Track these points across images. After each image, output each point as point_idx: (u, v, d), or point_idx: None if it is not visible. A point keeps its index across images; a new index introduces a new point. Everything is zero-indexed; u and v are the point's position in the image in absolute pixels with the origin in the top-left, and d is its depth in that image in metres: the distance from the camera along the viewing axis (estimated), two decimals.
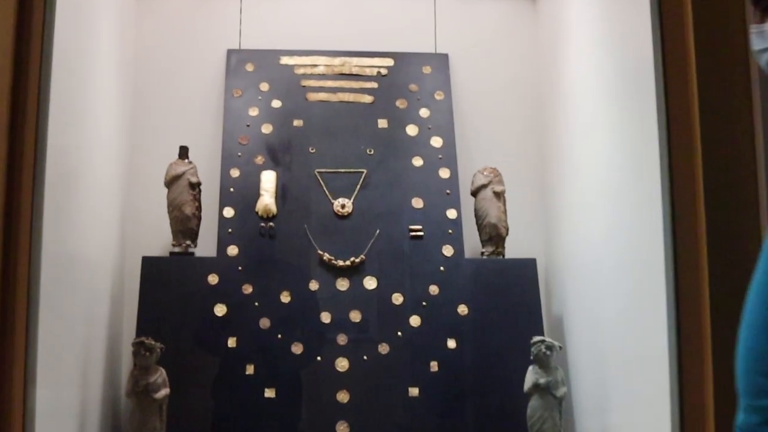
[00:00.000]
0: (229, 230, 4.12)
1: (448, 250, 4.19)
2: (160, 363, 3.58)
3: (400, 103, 4.52)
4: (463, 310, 4.07)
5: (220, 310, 3.93)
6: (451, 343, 3.99)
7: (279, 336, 3.92)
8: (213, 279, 3.99)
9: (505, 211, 4.31)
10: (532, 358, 3.64)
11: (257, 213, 4.15)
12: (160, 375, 3.56)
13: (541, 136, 4.71)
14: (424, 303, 4.06)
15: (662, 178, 2.91)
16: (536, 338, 3.66)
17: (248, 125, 4.38)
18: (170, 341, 3.68)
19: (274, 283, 4.00)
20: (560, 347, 3.67)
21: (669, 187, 2.91)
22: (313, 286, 4.05)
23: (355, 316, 4.02)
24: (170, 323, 3.83)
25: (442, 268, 4.14)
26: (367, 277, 4.09)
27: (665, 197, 2.89)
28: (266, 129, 4.38)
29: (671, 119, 2.93)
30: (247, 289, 4.00)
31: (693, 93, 2.85)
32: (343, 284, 4.06)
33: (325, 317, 4.01)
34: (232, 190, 4.22)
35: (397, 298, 4.06)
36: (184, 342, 3.86)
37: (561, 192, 4.38)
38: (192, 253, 4.03)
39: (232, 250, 4.08)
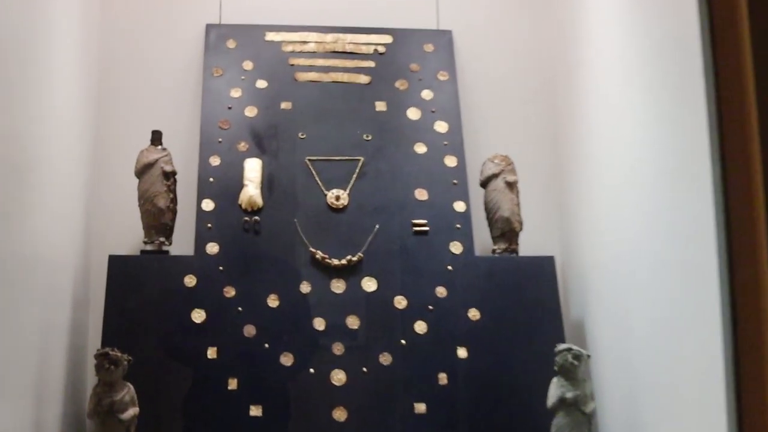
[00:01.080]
0: (209, 225, 3.69)
1: (456, 247, 3.78)
2: (128, 378, 3.14)
3: (400, 84, 4.12)
4: (474, 314, 3.65)
5: (198, 316, 3.51)
6: (462, 352, 3.58)
7: (266, 345, 3.49)
8: (190, 281, 3.56)
9: (518, 204, 3.92)
10: (556, 368, 3.23)
11: (240, 206, 3.73)
12: (128, 392, 3.12)
13: (557, 121, 4.29)
14: (430, 307, 3.64)
15: (712, 161, 2.52)
16: (561, 346, 3.25)
17: (230, 108, 3.95)
18: (140, 352, 3.27)
19: (260, 285, 3.59)
20: (589, 356, 3.26)
21: (720, 171, 2.53)
22: (305, 288, 3.63)
23: (353, 322, 3.60)
24: (140, 331, 3.43)
25: (449, 268, 3.73)
26: (366, 278, 3.67)
27: (716, 183, 2.51)
28: (250, 112, 3.96)
29: (721, 91, 2.56)
30: (229, 291, 3.57)
31: (746, 59, 2.47)
32: (338, 286, 3.65)
33: (319, 323, 3.58)
34: (211, 180, 3.79)
35: (400, 302, 3.65)
36: (157, 353, 3.42)
37: (580, 182, 3.96)
38: (166, 252, 3.65)
39: (212, 248, 3.65)
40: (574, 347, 3.22)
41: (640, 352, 3.16)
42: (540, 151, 4.29)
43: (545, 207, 4.22)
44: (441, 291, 3.67)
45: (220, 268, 3.60)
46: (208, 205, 3.73)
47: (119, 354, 3.10)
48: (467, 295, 3.68)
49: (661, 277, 2.98)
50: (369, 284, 3.66)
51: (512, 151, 4.00)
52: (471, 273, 3.73)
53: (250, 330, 3.51)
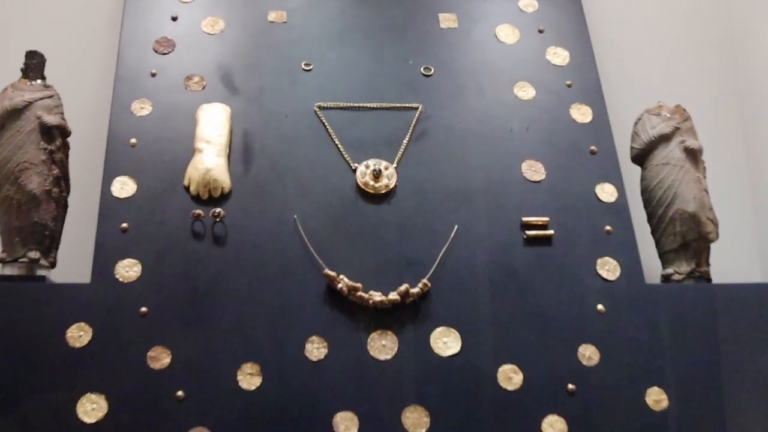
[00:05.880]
0: (123, 226, 2.01)
1: (609, 269, 2.10)
2: None
3: None
4: (657, 398, 1.95)
5: (94, 407, 1.79)
6: None
7: None
8: (80, 335, 1.87)
9: (707, 190, 2.28)
10: None
11: (187, 189, 2.08)
12: None
13: (740, 55, 2.77)
14: (570, 386, 1.93)
15: None
16: None
17: (175, 18, 2.38)
18: None
19: (224, 346, 1.90)
20: None
21: None
22: (315, 350, 1.91)
23: (416, 419, 1.86)
24: None
25: (600, 307, 2.02)
26: (439, 330, 1.95)
27: None
28: (211, 26, 2.40)
29: None
30: (160, 358, 1.86)
31: None
32: (383, 346, 1.93)
33: (345, 423, 1.84)
34: (133, 142, 2.14)
35: (510, 377, 1.92)
36: None
37: None
38: (41, 278, 2.01)
39: (128, 270, 1.96)
40: None
41: None
42: (718, 103, 2.75)
43: (733, 199, 2.66)
44: (588, 354, 1.99)
45: (143, 309, 1.90)
46: (123, 186, 2.09)
47: None
48: (640, 362, 1.99)
49: None
50: (445, 342, 1.96)
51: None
52: (642, 318, 2.04)
53: None
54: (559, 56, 2.41)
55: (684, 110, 2.32)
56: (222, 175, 2.07)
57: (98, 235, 1.98)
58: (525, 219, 2.11)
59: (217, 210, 2.01)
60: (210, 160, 2.07)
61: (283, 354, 1.88)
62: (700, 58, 2.77)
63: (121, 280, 1.93)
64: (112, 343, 1.86)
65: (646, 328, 2.02)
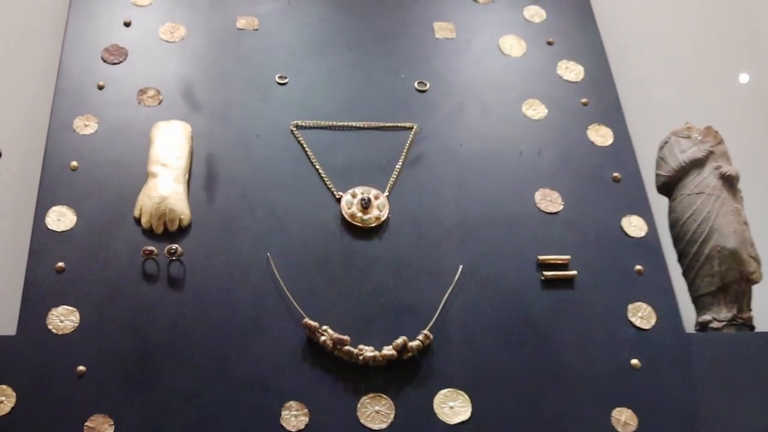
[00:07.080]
0: (59, 265, 1.70)
1: (642, 316, 1.83)
2: None
3: None
4: None
5: None
6: None
7: None
8: (2, 399, 1.55)
9: (747, 223, 2.03)
10: None
11: (138, 221, 1.79)
12: None
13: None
14: None
15: None
16: None
17: (127, 24, 2.12)
18: None
19: (179, 413, 1.58)
20: None
21: None
22: (293, 417, 1.60)
23: None
24: None
25: (635, 362, 1.75)
26: (444, 393, 1.66)
27: None
28: (170, 33, 2.14)
29: None
30: (102, 428, 1.55)
31: None
32: (377, 411, 1.63)
33: None
34: (74, 165, 1.86)
35: None
36: None
37: None
38: None
39: (62, 319, 1.65)
40: None
41: None
42: (748, 125, 2.52)
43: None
44: (624, 419, 1.72)
45: (80, 368, 1.60)
46: (61, 217, 1.81)
47: None
48: (685, 427, 1.70)
49: None
50: (451, 407, 1.67)
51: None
52: (686, 373, 1.76)
53: None
54: (572, 71, 2.17)
55: (716, 132, 2.08)
56: (180, 205, 1.77)
57: (28, 276, 1.67)
58: (542, 257, 1.83)
59: (174, 246, 1.71)
60: (166, 187, 1.77)
61: (254, 423, 1.57)
62: (727, 75, 2.54)
63: (54, 331, 1.62)
64: (42, 411, 1.55)
65: (691, 385, 1.73)
